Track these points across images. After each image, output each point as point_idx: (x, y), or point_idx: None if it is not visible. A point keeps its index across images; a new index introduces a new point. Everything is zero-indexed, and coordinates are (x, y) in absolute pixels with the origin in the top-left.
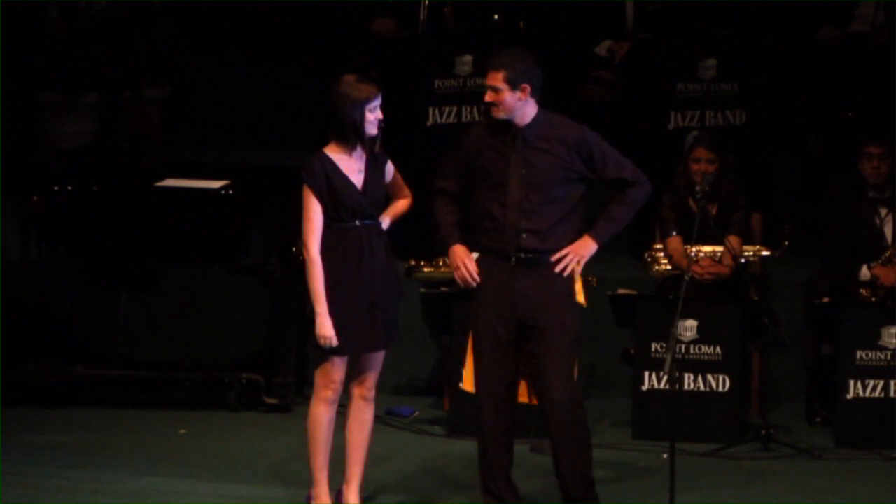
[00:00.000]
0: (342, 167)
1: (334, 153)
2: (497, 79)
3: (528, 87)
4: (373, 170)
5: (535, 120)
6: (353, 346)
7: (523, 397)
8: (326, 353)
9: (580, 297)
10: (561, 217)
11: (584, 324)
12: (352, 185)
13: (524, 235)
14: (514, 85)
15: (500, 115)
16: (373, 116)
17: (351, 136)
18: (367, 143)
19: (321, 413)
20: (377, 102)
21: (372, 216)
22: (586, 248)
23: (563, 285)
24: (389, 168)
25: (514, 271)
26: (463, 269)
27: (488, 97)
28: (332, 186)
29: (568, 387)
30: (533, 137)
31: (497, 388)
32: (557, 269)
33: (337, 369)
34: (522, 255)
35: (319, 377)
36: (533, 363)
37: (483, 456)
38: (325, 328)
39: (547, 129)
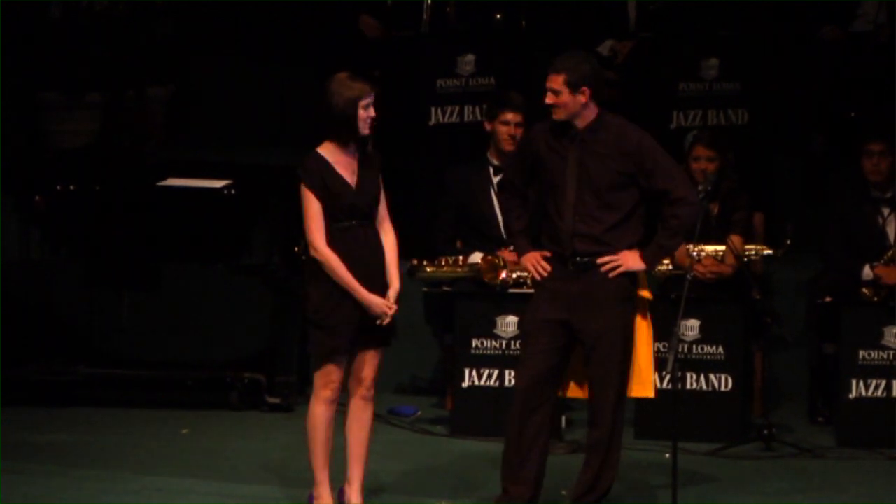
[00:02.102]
0: (336, 166)
1: (328, 152)
2: (557, 81)
3: (588, 91)
4: (367, 168)
5: (594, 122)
6: (351, 346)
7: (574, 392)
8: (326, 354)
9: (644, 293)
10: (617, 222)
11: None
12: (346, 183)
13: (579, 239)
14: (574, 88)
15: (561, 116)
16: (366, 114)
17: (344, 135)
18: (361, 142)
19: (321, 412)
20: (370, 100)
21: (367, 215)
22: (633, 261)
23: (616, 289)
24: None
25: (570, 275)
26: (533, 270)
27: (548, 99)
28: (327, 186)
29: (613, 399)
30: (591, 140)
31: (537, 388)
32: (603, 268)
33: (336, 369)
34: (578, 260)
35: (319, 377)
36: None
37: (507, 449)
38: (378, 302)
39: (605, 132)
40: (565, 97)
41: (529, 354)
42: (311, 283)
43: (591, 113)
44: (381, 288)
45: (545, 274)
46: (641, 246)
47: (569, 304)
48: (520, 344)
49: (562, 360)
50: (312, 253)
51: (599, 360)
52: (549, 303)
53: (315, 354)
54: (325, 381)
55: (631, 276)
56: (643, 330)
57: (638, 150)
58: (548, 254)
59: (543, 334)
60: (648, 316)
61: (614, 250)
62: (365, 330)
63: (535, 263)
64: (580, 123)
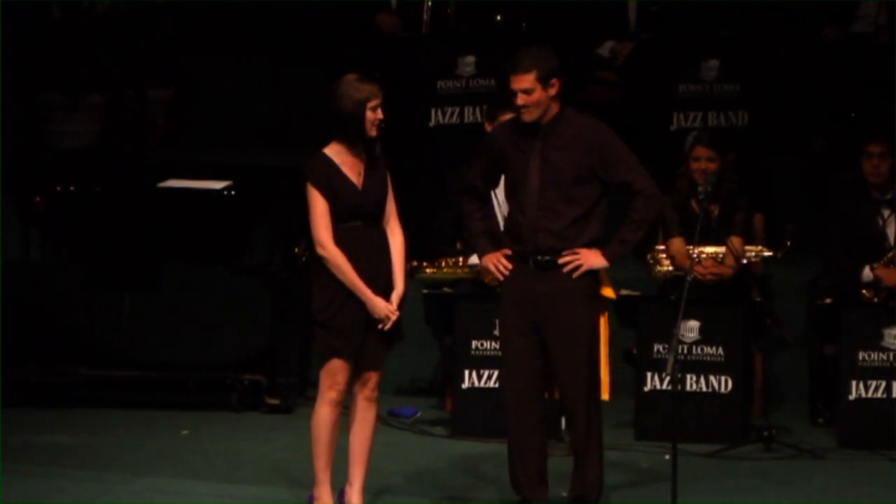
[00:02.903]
0: (342, 167)
1: (334, 153)
2: (528, 80)
3: (557, 82)
4: (373, 170)
5: (556, 116)
6: (357, 347)
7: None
8: (332, 354)
9: (607, 291)
10: (579, 217)
11: None
12: (352, 184)
13: (542, 234)
14: (545, 83)
15: (533, 116)
16: (373, 116)
17: (351, 136)
18: (368, 143)
19: (326, 414)
20: (378, 102)
21: (373, 216)
22: (595, 259)
23: (580, 287)
24: (388, 184)
25: (533, 274)
26: (494, 269)
27: (520, 100)
28: (332, 186)
29: (584, 399)
30: (553, 134)
31: (519, 389)
32: (565, 267)
33: (342, 371)
34: (540, 258)
35: (324, 378)
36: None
37: (510, 454)
38: (383, 306)
39: (567, 126)
40: (538, 94)
41: (509, 361)
42: (317, 282)
43: (556, 107)
44: (385, 289)
45: (506, 272)
46: (603, 242)
47: (534, 305)
48: (500, 351)
49: (544, 361)
50: (319, 251)
51: (566, 361)
52: (516, 308)
53: (320, 355)
54: (331, 383)
55: (594, 274)
56: (601, 330)
57: (600, 143)
58: (509, 252)
59: (518, 338)
60: (606, 316)
61: (576, 246)
62: (370, 331)
63: (497, 262)
64: (544, 118)
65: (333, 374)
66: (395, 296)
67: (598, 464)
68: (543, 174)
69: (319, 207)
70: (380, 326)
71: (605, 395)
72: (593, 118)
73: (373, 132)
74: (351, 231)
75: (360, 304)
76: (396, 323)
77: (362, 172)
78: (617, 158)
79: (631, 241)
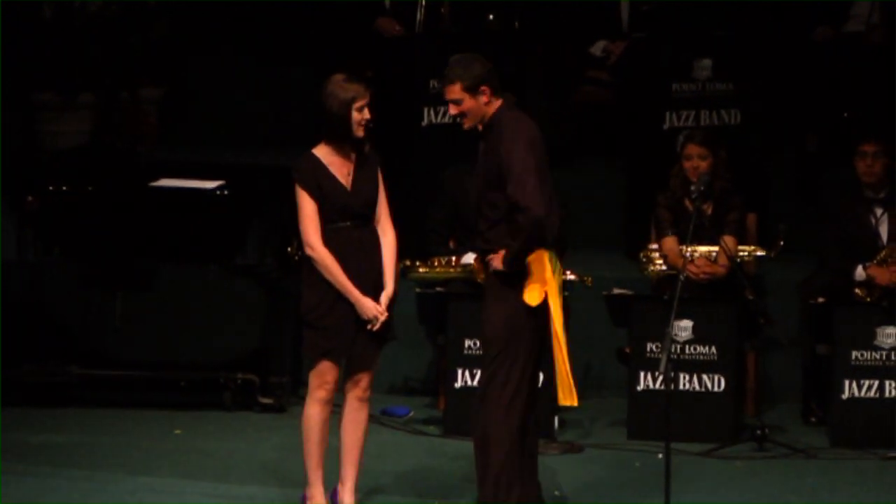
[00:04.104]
0: (330, 167)
1: (323, 153)
2: (455, 91)
3: (487, 89)
4: (362, 170)
5: (491, 118)
6: (347, 348)
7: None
8: (320, 354)
9: (527, 297)
10: (496, 221)
11: (579, 323)
12: (340, 185)
13: (479, 236)
14: (473, 91)
15: (470, 123)
16: (360, 116)
17: (339, 136)
18: (356, 143)
19: (315, 413)
20: (364, 102)
21: (362, 216)
22: (497, 262)
23: (490, 288)
24: (381, 183)
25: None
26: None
27: (451, 111)
28: (321, 186)
29: (489, 396)
30: (487, 137)
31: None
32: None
33: (331, 370)
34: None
35: (313, 378)
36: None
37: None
38: (371, 306)
39: (497, 128)
40: (467, 103)
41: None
42: (306, 283)
43: (492, 109)
44: (375, 290)
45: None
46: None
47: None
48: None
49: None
50: (308, 252)
51: (484, 341)
52: None
53: (309, 355)
54: (320, 382)
55: (501, 277)
56: (555, 335)
57: (504, 151)
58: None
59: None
60: (554, 321)
61: (495, 249)
62: (361, 331)
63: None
64: (484, 121)
65: (322, 373)
66: (385, 296)
67: (486, 469)
68: (480, 178)
69: (308, 208)
70: (368, 327)
71: (567, 401)
72: (522, 121)
73: (360, 132)
74: (340, 231)
75: (350, 305)
76: (388, 323)
77: (351, 172)
78: (509, 171)
79: (513, 249)
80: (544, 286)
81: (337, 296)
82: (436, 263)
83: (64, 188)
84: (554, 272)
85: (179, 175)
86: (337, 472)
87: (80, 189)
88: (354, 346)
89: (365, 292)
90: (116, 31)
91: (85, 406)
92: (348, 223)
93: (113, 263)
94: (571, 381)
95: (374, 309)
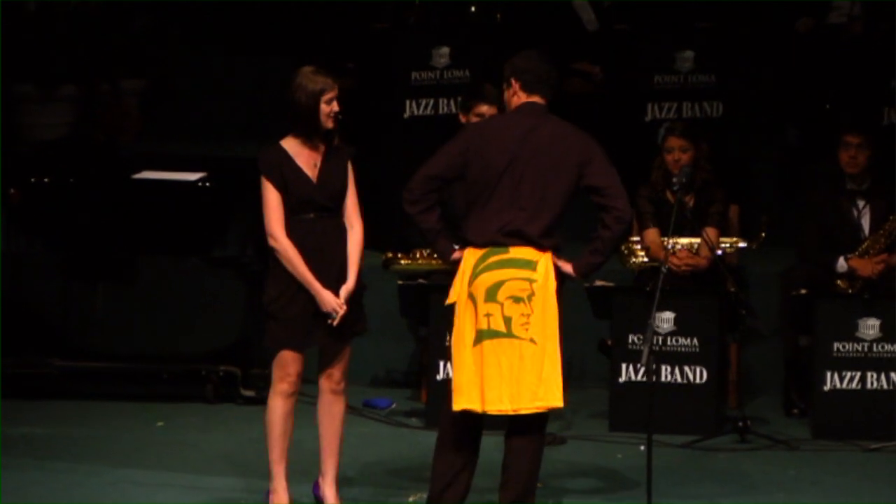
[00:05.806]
0: (297, 159)
1: (290, 145)
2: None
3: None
4: (330, 162)
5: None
6: (308, 341)
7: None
8: (281, 346)
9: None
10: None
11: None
12: (305, 176)
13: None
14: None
15: None
16: (328, 109)
17: (307, 128)
18: (325, 135)
19: (278, 406)
20: (333, 95)
21: (328, 209)
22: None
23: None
24: (350, 176)
25: None
26: None
27: None
28: (284, 177)
29: None
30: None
31: None
32: None
33: (293, 362)
34: None
35: (276, 370)
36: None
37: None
38: (330, 299)
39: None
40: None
41: None
42: (270, 274)
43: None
44: (338, 283)
45: None
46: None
47: None
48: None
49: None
50: (271, 243)
51: None
52: None
53: (270, 347)
54: (282, 374)
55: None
56: (460, 338)
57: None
58: None
59: None
60: (456, 323)
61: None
62: (328, 325)
63: None
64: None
65: (284, 365)
66: (344, 289)
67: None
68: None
69: (271, 199)
70: (329, 321)
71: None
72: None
73: (329, 124)
74: (304, 223)
75: (311, 297)
76: (355, 317)
77: (318, 164)
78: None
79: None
80: (457, 288)
81: (298, 287)
82: (418, 255)
83: (45, 180)
84: (476, 273)
85: (160, 167)
86: (307, 466)
87: (61, 181)
88: (320, 338)
89: (327, 285)
90: (97, 22)
91: (66, 398)
92: (312, 215)
93: (94, 256)
94: (560, 381)
95: (333, 302)
